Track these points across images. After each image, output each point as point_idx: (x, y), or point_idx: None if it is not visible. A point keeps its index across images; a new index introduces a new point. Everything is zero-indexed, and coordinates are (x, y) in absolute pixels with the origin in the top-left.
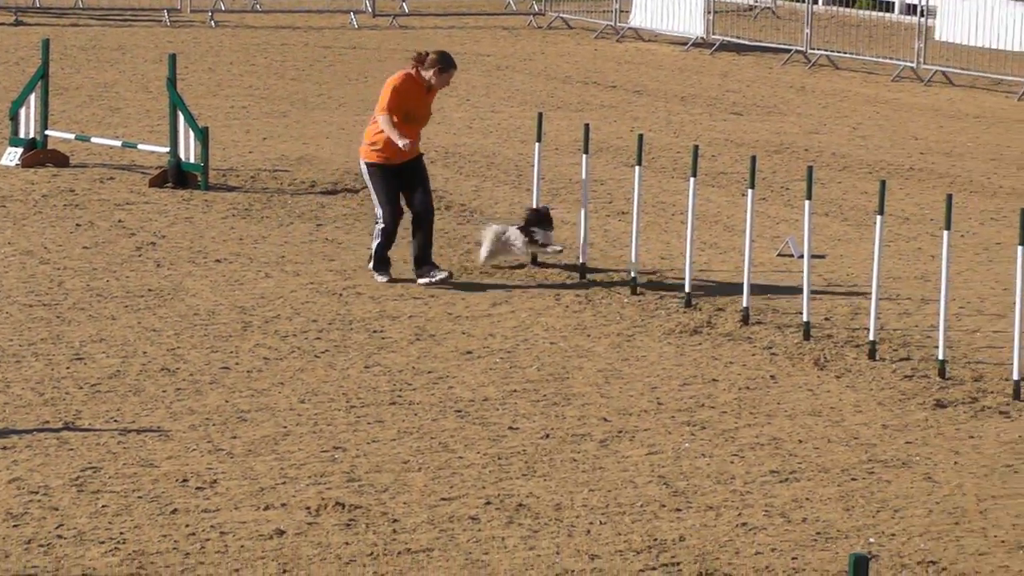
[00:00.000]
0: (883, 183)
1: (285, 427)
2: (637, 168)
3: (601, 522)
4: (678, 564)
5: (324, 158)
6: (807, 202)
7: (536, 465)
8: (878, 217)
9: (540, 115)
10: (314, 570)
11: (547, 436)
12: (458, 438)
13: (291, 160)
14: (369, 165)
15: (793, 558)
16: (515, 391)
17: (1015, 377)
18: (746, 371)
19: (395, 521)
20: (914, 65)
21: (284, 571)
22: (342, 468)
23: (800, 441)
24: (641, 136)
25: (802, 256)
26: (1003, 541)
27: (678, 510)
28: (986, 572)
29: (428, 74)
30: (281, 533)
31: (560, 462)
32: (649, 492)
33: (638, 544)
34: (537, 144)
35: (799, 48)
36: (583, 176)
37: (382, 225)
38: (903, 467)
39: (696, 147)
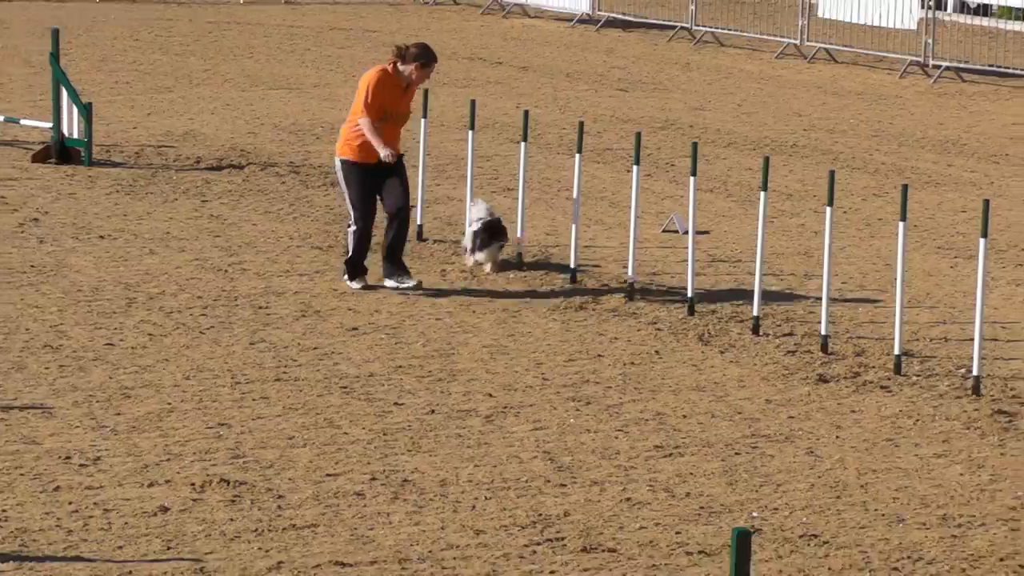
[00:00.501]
0: (767, 159)
1: (170, 403)
2: (523, 144)
3: (486, 497)
4: (563, 539)
5: (209, 134)
6: (692, 178)
7: (421, 441)
8: (762, 193)
9: (426, 92)
10: (199, 546)
11: (432, 412)
12: (343, 414)
13: (176, 136)
14: (344, 162)
15: (677, 532)
16: (400, 367)
17: (896, 352)
18: (631, 347)
19: (280, 497)
20: (797, 42)
21: (168, 548)
22: (227, 444)
23: (684, 416)
24: (527, 112)
25: (687, 232)
26: (883, 514)
27: (563, 485)
28: (867, 545)
29: (408, 69)
30: (165, 510)
31: (445, 438)
32: (534, 467)
33: (523, 519)
34: (423, 121)
35: (684, 25)
36: (469, 152)
37: (354, 227)
38: (786, 441)
39: (582, 123)
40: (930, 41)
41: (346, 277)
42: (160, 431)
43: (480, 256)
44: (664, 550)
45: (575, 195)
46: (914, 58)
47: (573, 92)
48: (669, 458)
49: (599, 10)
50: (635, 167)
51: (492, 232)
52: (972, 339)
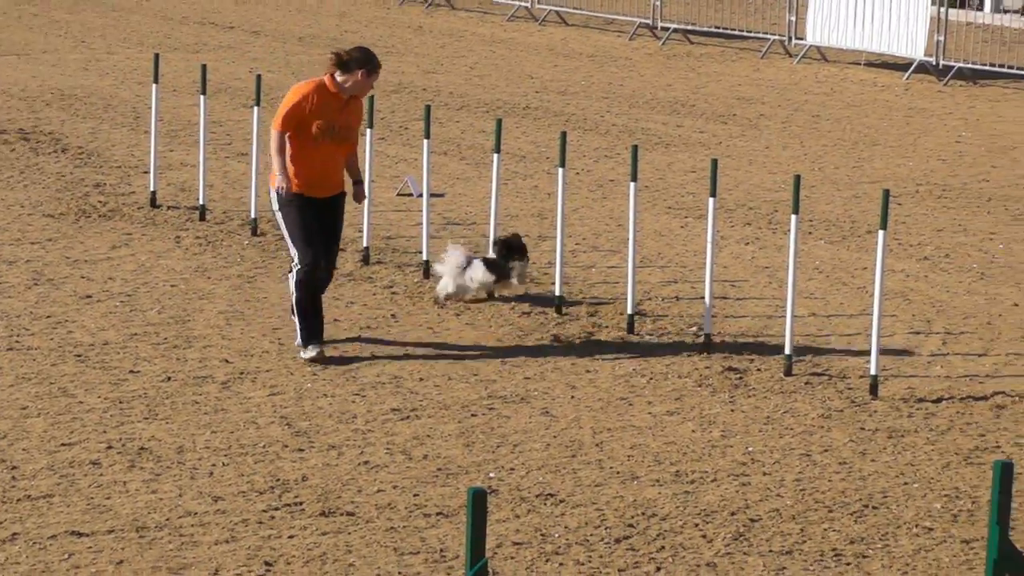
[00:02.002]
0: (499, 122)
1: None
2: (256, 109)
3: (224, 464)
4: (301, 503)
5: None
6: (425, 141)
7: (158, 408)
8: (495, 155)
9: (157, 56)
10: None
11: (169, 379)
12: (78, 383)
13: None
14: (277, 194)
15: (415, 495)
16: (136, 334)
17: (629, 311)
18: (367, 311)
19: (14, 468)
20: (528, 5)
21: None
22: None
23: (421, 379)
24: (259, 77)
25: (421, 195)
26: (618, 472)
27: (300, 450)
28: (602, 502)
29: (352, 79)
30: None
31: (182, 405)
32: (271, 433)
33: (261, 485)
34: (155, 86)
35: None
36: (201, 117)
37: (299, 266)
38: (522, 402)
39: None
40: (659, 3)
41: (298, 341)
42: None
43: (515, 275)
44: (402, 512)
45: None
46: (643, 20)
47: (306, 56)
48: (406, 421)
49: None
50: (369, 130)
51: (516, 248)
52: (703, 298)
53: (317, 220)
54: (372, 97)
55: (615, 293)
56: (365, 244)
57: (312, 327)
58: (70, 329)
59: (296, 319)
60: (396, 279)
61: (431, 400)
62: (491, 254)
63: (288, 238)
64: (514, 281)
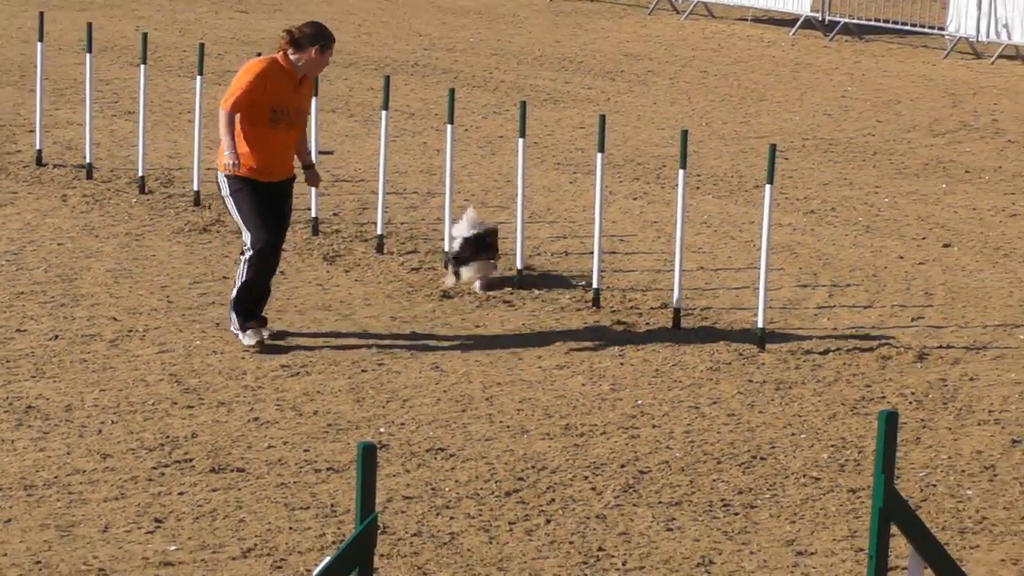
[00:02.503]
0: (387, 79)
1: None
2: (142, 67)
3: (112, 421)
4: (191, 460)
5: None
6: (314, 99)
7: (45, 367)
8: (383, 112)
9: (42, 14)
10: None
11: (56, 337)
12: None
13: None
14: (231, 180)
15: (305, 450)
16: (23, 293)
17: (518, 266)
18: None
19: None
20: None
21: None
22: None
23: (310, 335)
24: (146, 35)
25: (309, 152)
26: (508, 426)
27: (190, 407)
28: (492, 456)
29: (305, 56)
30: None
31: (70, 363)
32: (161, 390)
33: (151, 442)
34: (40, 44)
35: None
36: (87, 76)
37: (252, 250)
38: (411, 358)
39: (202, 45)
40: None
41: (235, 328)
42: None
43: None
44: (293, 468)
45: (196, 117)
46: None
47: (192, 14)
48: (296, 377)
49: None
50: None
51: (479, 247)
52: (592, 252)
53: (268, 203)
54: (259, 54)
55: (505, 249)
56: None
57: (251, 312)
58: None
59: (233, 313)
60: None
61: (321, 356)
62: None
63: (241, 222)
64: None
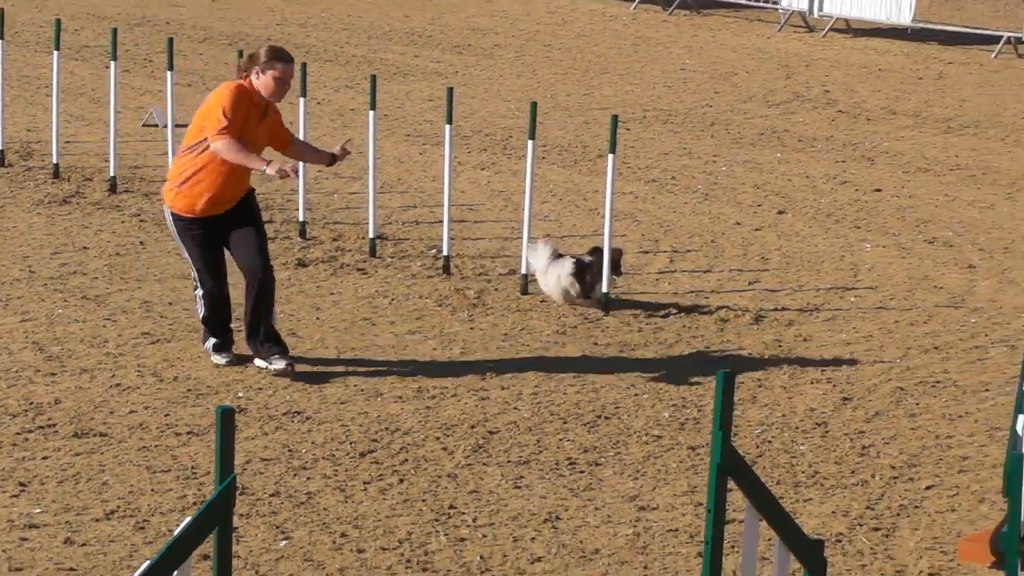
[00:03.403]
0: (240, 53)
1: None
2: (0, 42)
3: None
4: (54, 425)
5: None
6: (169, 73)
7: None
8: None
9: None
10: None
11: None
12: None
13: None
14: (174, 216)
15: (166, 415)
16: None
17: (370, 235)
18: (116, 238)
19: None
20: None
21: None
22: None
23: (170, 304)
24: (2, 10)
25: (167, 126)
26: (362, 389)
27: (53, 374)
28: (347, 419)
29: (265, 79)
30: None
31: None
32: (24, 358)
33: (14, 408)
34: None
35: None
36: None
37: (201, 291)
38: None
39: (58, 20)
40: None
41: (207, 344)
42: None
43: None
44: (154, 432)
45: (54, 92)
46: None
47: None
48: (156, 344)
49: None
50: (113, 63)
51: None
52: (441, 221)
53: (219, 238)
54: (115, 29)
55: (357, 218)
56: (112, 174)
57: (218, 331)
58: None
59: (204, 326)
60: (144, 207)
61: (180, 324)
62: (585, 256)
63: (190, 261)
64: (589, 291)
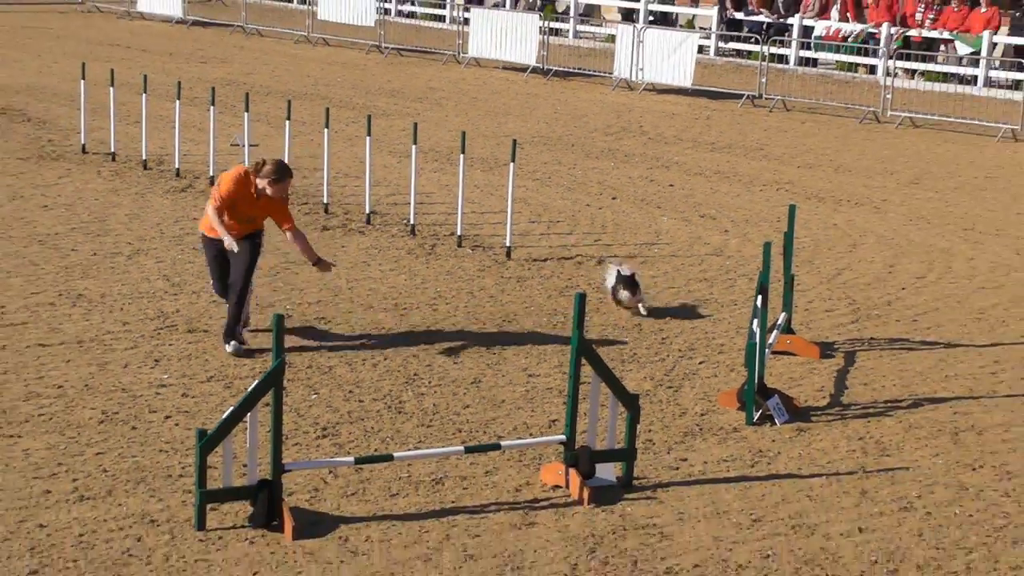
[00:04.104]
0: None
1: None
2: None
3: None
4: (175, 325)
5: None
6: (246, 114)
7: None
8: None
9: (84, 64)
10: None
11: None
12: None
13: None
14: (204, 236)
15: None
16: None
17: (367, 211)
18: None
19: None
20: None
21: None
22: None
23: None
24: (145, 76)
25: (244, 145)
26: (360, 304)
27: (175, 294)
28: (352, 322)
29: (261, 184)
30: None
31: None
32: (157, 285)
33: (152, 314)
34: (83, 81)
35: None
36: (110, 100)
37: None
38: (294, 264)
39: (179, 82)
40: None
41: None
42: None
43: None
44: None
45: (176, 124)
46: None
47: None
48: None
49: None
50: (211, 107)
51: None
52: (410, 203)
53: (222, 255)
54: (213, 87)
55: (359, 201)
56: (211, 173)
57: (229, 330)
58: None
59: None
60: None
61: (258, 271)
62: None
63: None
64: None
